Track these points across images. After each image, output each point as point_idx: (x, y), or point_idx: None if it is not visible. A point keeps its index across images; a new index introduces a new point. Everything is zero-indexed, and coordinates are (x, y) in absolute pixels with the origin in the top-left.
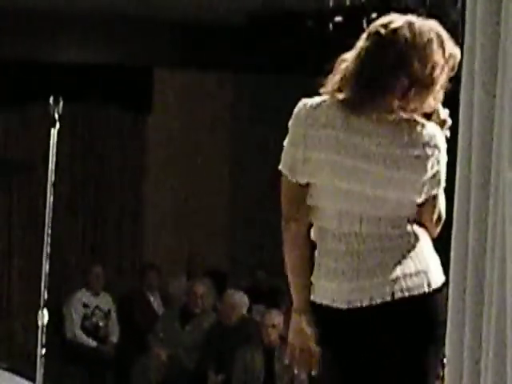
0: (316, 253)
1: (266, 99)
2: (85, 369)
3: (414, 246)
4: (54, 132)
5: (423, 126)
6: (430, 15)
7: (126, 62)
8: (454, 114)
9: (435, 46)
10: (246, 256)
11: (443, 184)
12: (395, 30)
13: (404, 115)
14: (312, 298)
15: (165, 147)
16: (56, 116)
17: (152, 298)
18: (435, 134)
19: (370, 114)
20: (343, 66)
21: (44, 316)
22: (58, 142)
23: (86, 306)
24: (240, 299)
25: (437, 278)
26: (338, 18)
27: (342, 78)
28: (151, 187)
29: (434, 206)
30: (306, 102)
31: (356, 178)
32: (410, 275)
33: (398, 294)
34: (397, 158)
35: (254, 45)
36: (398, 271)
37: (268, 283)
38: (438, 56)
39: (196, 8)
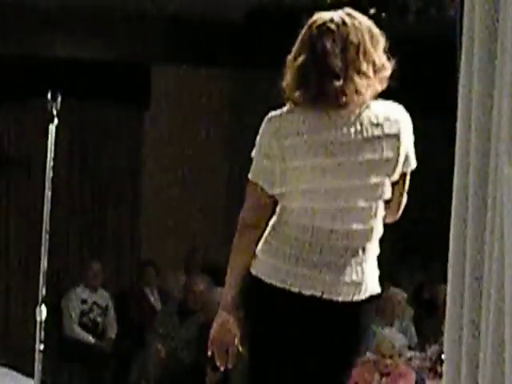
0: (278, 240)
1: (265, 95)
2: (83, 365)
3: (372, 247)
4: (52, 128)
5: (375, 106)
6: (427, 10)
7: (124, 58)
8: (452, 110)
9: (367, 36)
10: None
11: (412, 163)
12: (338, 25)
13: (348, 105)
14: (269, 280)
15: (163, 143)
16: (54, 112)
17: (150, 294)
18: (390, 113)
19: (328, 109)
20: (295, 65)
21: (42, 312)
22: (55, 138)
23: (84, 302)
24: None
25: (375, 286)
26: None
27: (295, 79)
28: (149, 183)
29: (404, 184)
30: (273, 114)
31: (331, 174)
32: (366, 280)
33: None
34: (361, 145)
35: (252, 41)
36: (354, 276)
37: None
38: (374, 50)
39: (194, 4)
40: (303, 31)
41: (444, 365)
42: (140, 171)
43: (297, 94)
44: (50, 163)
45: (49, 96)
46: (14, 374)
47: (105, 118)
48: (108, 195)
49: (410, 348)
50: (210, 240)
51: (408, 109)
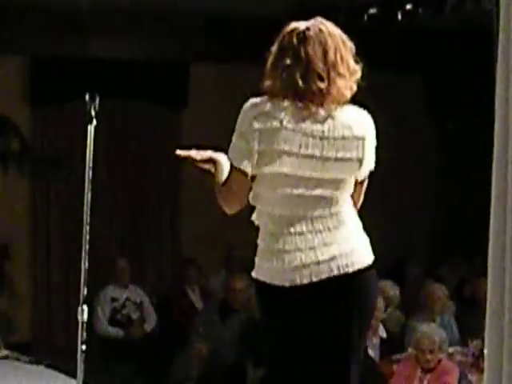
0: (259, 235)
1: None
2: (125, 365)
3: (344, 228)
4: (90, 128)
5: (348, 110)
6: (463, 3)
7: (161, 57)
8: (489, 111)
9: (340, 42)
10: None
11: (372, 165)
12: (316, 32)
13: (329, 105)
14: (256, 276)
15: (200, 142)
16: (92, 112)
17: (191, 293)
18: (359, 118)
19: (306, 104)
20: (280, 68)
21: (84, 312)
22: (94, 138)
23: (115, 300)
24: None
25: (363, 259)
26: (373, 10)
27: (281, 81)
28: (189, 183)
29: (363, 183)
30: (254, 100)
31: (303, 164)
32: (340, 256)
33: (334, 272)
34: (334, 142)
35: None
36: (334, 251)
37: None
38: (347, 55)
39: (232, 2)
40: (281, 39)
41: (485, 360)
42: (179, 170)
43: (283, 92)
44: (88, 164)
45: (87, 97)
46: (57, 374)
47: (143, 117)
48: (148, 195)
49: (451, 343)
50: (251, 238)
51: (444, 102)
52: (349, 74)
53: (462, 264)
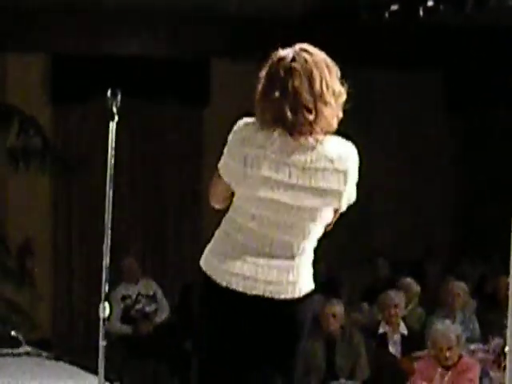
0: (221, 227)
1: None
2: (144, 359)
3: (298, 259)
4: (112, 125)
5: (333, 143)
6: (485, 2)
7: (183, 55)
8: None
9: (325, 69)
10: None
11: (352, 198)
12: (302, 64)
13: (317, 135)
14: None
15: (222, 140)
16: (114, 109)
17: None
18: (343, 151)
19: (294, 135)
20: (269, 100)
21: (105, 309)
22: (116, 135)
23: (126, 297)
24: None
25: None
26: (394, 7)
27: (270, 113)
28: (210, 179)
29: (337, 213)
30: (245, 122)
31: (283, 191)
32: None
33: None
34: (315, 172)
35: (309, 38)
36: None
37: (326, 274)
38: (332, 80)
39: (253, 0)
40: (269, 69)
41: (507, 357)
42: (201, 167)
43: (273, 123)
44: (110, 161)
45: (109, 93)
46: (77, 370)
47: (164, 115)
48: (170, 191)
49: (473, 340)
50: None
51: (465, 99)
52: (334, 100)
53: (481, 261)
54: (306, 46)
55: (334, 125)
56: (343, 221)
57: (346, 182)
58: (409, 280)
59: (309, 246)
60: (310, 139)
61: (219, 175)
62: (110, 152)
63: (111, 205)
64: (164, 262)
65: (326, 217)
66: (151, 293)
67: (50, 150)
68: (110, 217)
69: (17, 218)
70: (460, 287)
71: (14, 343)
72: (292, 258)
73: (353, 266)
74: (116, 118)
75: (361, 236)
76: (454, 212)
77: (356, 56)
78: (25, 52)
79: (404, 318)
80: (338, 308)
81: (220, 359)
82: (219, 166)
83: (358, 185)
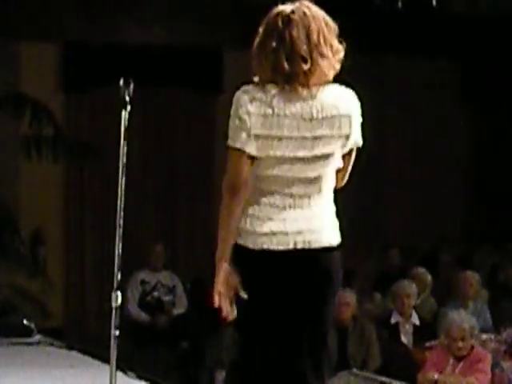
0: (254, 207)
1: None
2: (157, 349)
3: (321, 207)
4: (124, 114)
5: (333, 90)
6: None
7: (196, 43)
8: None
9: (323, 24)
10: None
11: (359, 140)
12: (300, 16)
13: (314, 86)
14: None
15: None
16: (127, 98)
17: None
18: (344, 97)
19: (294, 87)
20: (266, 50)
21: (118, 297)
22: (128, 124)
23: (144, 282)
24: None
25: (329, 239)
26: None
27: (267, 63)
28: (223, 169)
29: (351, 157)
30: (246, 88)
31: (295, 146)
32: (308, 231)
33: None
34: (323, 121)
35: None
36: (302, 226)
37: None
38: (330, 35)
39: None
40: (267, 22)
41: None
42: (214, 156)
43: (270, 74)
44: (122, 149)
45: (121, 82)
46: (89, 359)
47: (177, 103)
48: (183, 179)
49: (485, 330)
50: None
51: (480, 90)
52: (332, 54)
53: (494, 251)
54: (306, 2)
55: (330, 76)
56: (356, 209)
57: (352, 125)
58: (421, 269)
59: (327, 194)
60: (313, 89)
61: (234, 152)
62: (123, 141)
63: (123, 192)
64: (175, 249)
65: (338, 162)
66: (171, 285)
67: (62, 138)
68: (123, 205)
69: (29, 206)
70: (473, 277)
71: (26, 332)
72: (315, 206)
73: (365, 256)
74: (128, 106)
75: (373, 225)
76: (467, 202)
77: (368, 43)
78: (37, 40)
79: (416, 308)
80: (350, 297)
81: (265, 324)
82: (232, 142)
83: (371, 173)
